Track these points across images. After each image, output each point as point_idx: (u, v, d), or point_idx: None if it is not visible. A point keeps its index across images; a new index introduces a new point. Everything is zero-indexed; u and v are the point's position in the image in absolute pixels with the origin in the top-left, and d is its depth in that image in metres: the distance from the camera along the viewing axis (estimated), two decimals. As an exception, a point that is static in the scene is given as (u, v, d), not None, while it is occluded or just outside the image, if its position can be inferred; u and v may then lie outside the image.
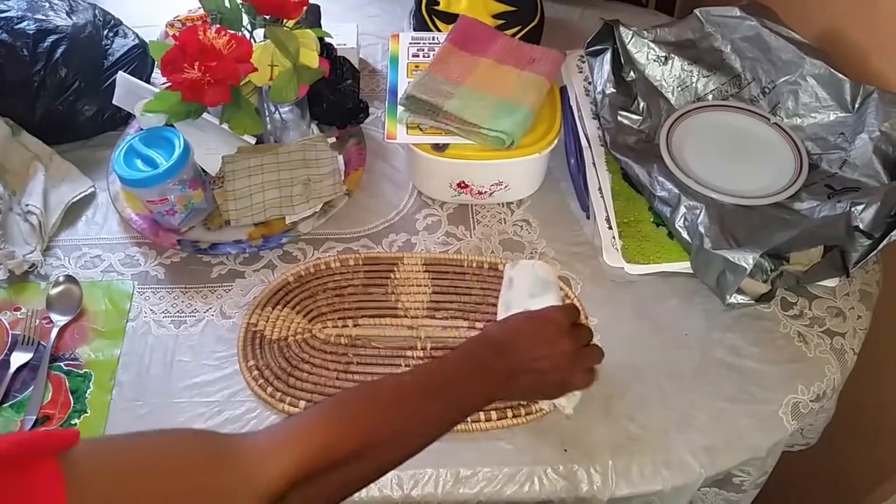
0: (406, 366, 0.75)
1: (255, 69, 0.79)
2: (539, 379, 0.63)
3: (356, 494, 0.67)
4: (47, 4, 0.95)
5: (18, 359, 0.75)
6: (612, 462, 0.69)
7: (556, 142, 0.85)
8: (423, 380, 0.60)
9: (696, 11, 0.93)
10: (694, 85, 0.94)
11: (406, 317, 0.79)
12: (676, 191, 0.80)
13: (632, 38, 0.92)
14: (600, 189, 0.88)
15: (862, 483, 0.99)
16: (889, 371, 0.91)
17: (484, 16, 0.99)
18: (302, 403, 0.72)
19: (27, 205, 0.86)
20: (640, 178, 0.83)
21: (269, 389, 0.73)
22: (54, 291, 0.80)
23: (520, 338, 0.63)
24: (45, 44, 0.90)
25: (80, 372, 0.75)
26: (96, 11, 0.99)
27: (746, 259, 0.72)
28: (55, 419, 0.71)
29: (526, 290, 0.75)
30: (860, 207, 0.75)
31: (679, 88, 0.94)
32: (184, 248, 0.85)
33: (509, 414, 0.71)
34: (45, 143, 0.93)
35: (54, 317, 0.79)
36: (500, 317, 0.76)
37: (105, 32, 0.98)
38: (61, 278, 0.81)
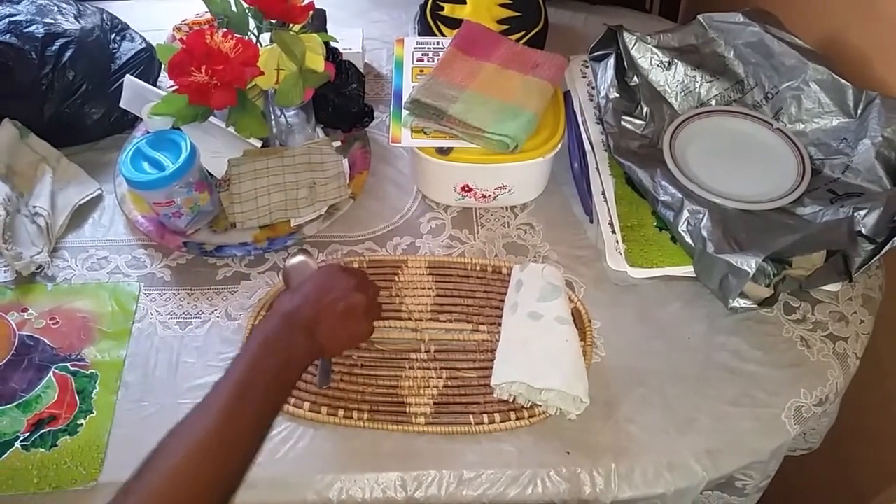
0: (410, 367, 0.75)
1: (262, 73, 0.80)
2: (337, 326, 0.65)
3: (359, 496, 0.68)
4: (56, 8, 0.96)
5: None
6: (614, 465, 0.69)
7: (559, 146, 0.85)
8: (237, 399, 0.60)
9: (700, 17, 0.93)
10: (697, 90, 0.94)
11: (410, 319, 0.79)
12: (679, 195, 0.80)
13: (635, 43, 0.93)
14: (604, 193, 0.88)
15: (865, 488, 0.99)
16: (892, 375, 0.91)
17: (488, 21, 1.00)
18: (306, 405, 0.72)
19: (34, 206, 0.86)
20: (644, 183, 0.83)
21: (274, 391, 0.73)
22: (291, 263, 0.76)
23: (311, 295, 0.66)
24: (54, 47, 0.91)
25: (87, 372, 0.76)
26: (104, 15, 1.00)
27: (749, 263, 0.72)
28: (61, 419, 0.72)
29: (535, 293, 0.76)
30: (863, 212, 0.75)
31: (682, 93, 0.94)
32: (190, 251, 0.85)
33: (512, 416, 0.71)
34: (52, 146, 0.94)
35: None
36: (505, 319, 0.77)
37: (112, 36, 0.99)
38: (296, 251, 0.82)
